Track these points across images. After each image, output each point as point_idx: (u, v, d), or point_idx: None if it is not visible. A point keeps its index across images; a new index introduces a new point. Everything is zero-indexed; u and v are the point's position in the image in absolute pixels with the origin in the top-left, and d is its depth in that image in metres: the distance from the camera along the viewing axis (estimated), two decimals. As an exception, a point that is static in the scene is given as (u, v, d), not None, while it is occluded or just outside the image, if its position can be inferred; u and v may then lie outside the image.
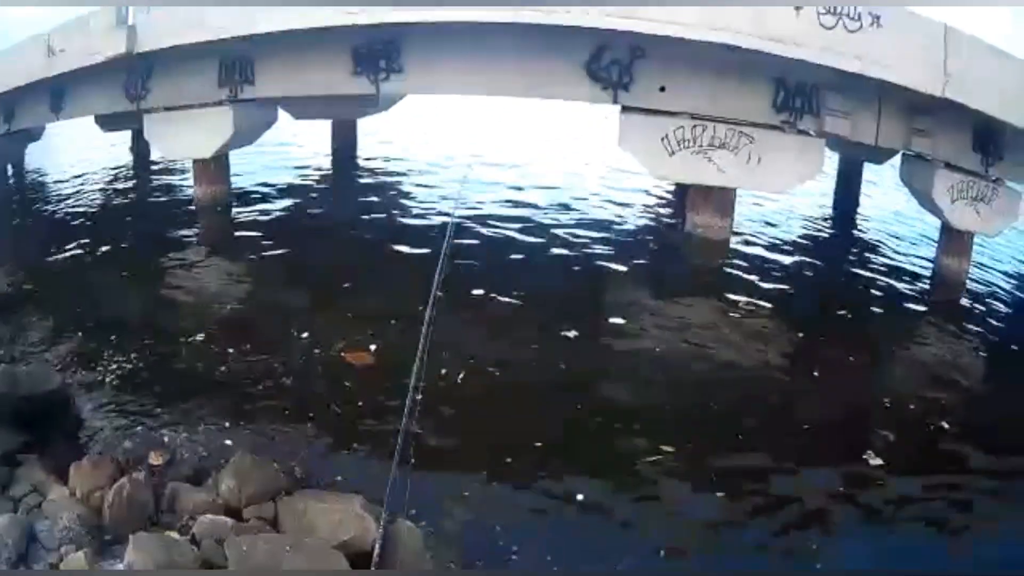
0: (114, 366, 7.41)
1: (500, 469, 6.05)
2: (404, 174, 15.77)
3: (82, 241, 11.37)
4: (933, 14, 9.35)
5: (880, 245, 13.05)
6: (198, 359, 7.68)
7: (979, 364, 9.05)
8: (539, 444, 6.42)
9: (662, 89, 10.42)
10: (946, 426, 7.18)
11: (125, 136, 16.88)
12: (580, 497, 5.80)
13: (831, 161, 13.90)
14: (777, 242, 12.54)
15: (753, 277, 10.64)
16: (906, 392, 7.84)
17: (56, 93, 13.27)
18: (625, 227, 12.89)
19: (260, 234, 11.65)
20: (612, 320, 9.16)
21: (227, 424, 6.46)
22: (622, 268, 10.68)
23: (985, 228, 10.94)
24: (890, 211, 14.90)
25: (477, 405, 6.97)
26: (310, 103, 13.01)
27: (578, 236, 11.92)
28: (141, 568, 4.24)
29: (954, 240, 10.95)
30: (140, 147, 16.19)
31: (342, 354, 7.73)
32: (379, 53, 11.03)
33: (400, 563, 4.53)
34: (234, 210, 12.82)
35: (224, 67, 11.84)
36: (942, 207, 10.64)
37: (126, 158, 17.17)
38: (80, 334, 8.13)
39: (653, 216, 13.87)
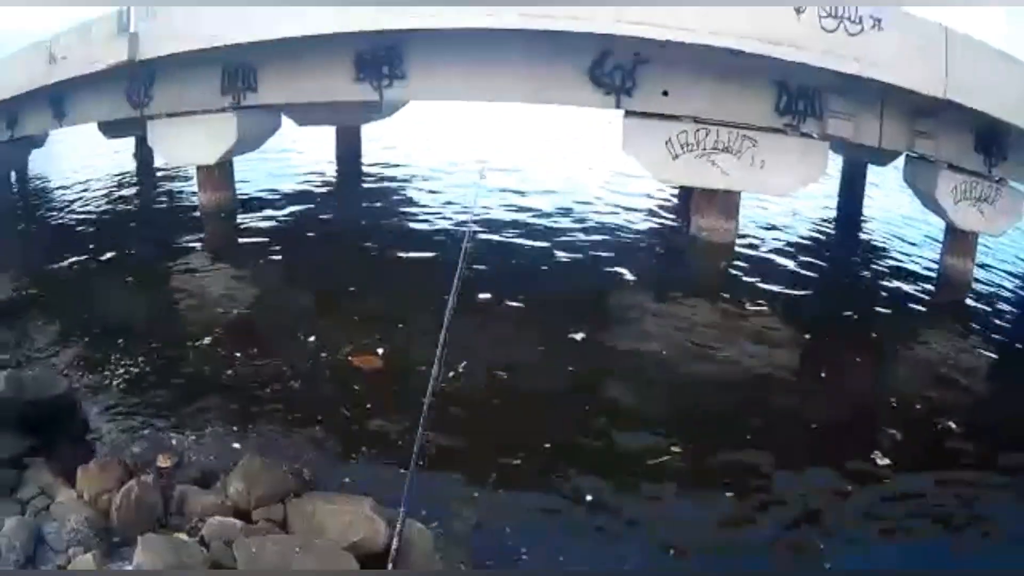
0: (121, 370, 7.42)
1: (509, 470, 6.05)
2: (408, 180, 15.78)
3: (87, 247, 11.36)
4: (929, 15, 9.38)
5: (885, 246, 13.04)
6: (205, 363, 7.69)
7: (985, 364, 9.02)
8: (547, 445, 6.43)
9: (665, 93, 10.44)
10: (953, 425, 7.16)
11: (129, 143, 16.84)
12: (589, 498, 5.80)
13: (835, 164, 13.90)
14: (782, 244, 12.52)
15: (758, 279, 10.62)
16: (912, 392, 7.84)
17: (59, 100, 13.26)
18: (630, 231, 12.88)
19: (265, 240, 11.66)
20: (619, 323, 9.17)
21: (235, 427, 6.46)
22: (627, 271, 10.67)
23: (989, 228, 10.96)
24: (894, 213, 14.88)
25: (486, 407, 6.98)
26: (314, 109, 12.96)
27: (583, 240, 11.92)
28: (150, 568, 4.23)
29: (958, 241, 10.96)
30: (144, 154, 16.15)
31: (350, 358, 7.73)
32: (382, 59, 11.04)
33: (411, 564, 4.53)
34: (239, 216, 12.83)
35: (227, 74, 11.84)
36: (946, 208, 10.66)
37: (130, 165, 17.14)
38: (86, 339, 8.15)
39: (657, 220, 13.85)
